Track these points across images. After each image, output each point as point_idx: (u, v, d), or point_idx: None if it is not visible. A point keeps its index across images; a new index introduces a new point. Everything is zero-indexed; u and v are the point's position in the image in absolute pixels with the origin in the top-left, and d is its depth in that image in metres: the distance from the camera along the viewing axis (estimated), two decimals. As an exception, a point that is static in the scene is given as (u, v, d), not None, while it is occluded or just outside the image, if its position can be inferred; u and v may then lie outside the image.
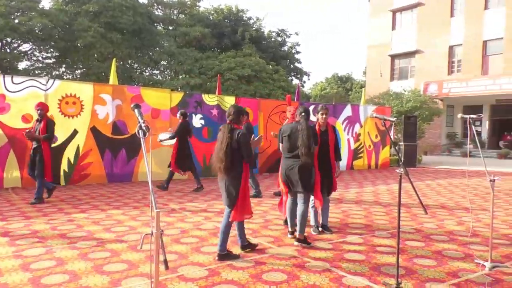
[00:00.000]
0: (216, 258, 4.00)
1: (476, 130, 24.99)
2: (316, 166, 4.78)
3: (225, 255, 4.01)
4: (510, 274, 3.73)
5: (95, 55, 25.17)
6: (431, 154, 25.33)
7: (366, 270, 3.78)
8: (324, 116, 5.05)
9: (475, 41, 24.49)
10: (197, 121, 10.94)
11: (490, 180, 3.83)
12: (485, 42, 24.27)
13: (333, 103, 15.36)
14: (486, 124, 24.98)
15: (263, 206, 6.97)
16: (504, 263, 4.04)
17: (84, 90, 9.46)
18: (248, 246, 4.31)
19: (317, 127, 5.04)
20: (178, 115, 8.67)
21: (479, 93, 22.76)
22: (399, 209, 3.22)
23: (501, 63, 23.37)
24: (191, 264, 3.86)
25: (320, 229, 5.19)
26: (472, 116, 3.94)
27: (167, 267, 2.16)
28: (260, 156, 12.14)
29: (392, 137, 17.07)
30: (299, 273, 3.67)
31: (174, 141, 8.31)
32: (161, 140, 7.99)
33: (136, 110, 2.59)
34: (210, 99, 11.31)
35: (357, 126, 14.47)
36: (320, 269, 3.78)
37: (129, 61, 27.54)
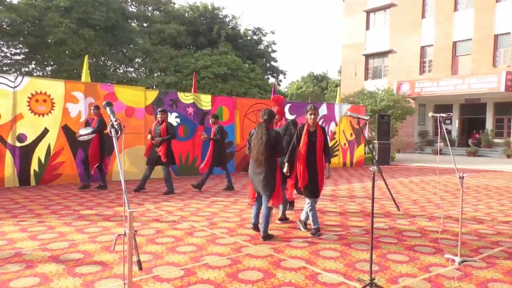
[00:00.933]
0: (261, 239, 4.68)
1: (446, 129, 25.73)
2: (304, 166, 4.90)
3: (268, 236, 4.71)
4: (478, 268, 3.86)
5: (67, 51, 24.51)
6: (404, 152, 25.93)
7: (341, 266, 3.83)
8: (312, 116, 4.92)
9: (445, 42, 25.21)
10: (172, 119, 10.82)
11: (459, 177, 3.95)
12: (454, 43, 25.01)
13: (309, 102, 15.48)
14: (456, 123, 25.76)
15: (239, 205, 6.96)
16: (473, 257, 4.18)
17: (55, 88, 9.20)
18: (269, 237, 4.75)
19: (305, 128, 4.96)
20: (95, 110, 8.35)
21: (449, 92, 23.44)
22: (372, 207, 3.28)
23: (470, 63, 24.14)
24: (167, 264, 3.82)
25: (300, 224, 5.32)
26: (442, 115, 4.05)
27: (140, 268, 2.13)
28: (237, 155, 12.13)
29: (366, 135, 17.36)
30: (275, 271, 3.68)
31: (93, 136, 8.04)
32: (80, 135, 7.82)
33: (108, 108, 2.53)
34: (185, 98, 11.21)
35: (332, 124, 14.66)
36: (296, 266, 3.81)
37: (102, 58, 26.94)
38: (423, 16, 26.45)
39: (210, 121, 8.67)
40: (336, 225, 5.59)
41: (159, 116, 8.07)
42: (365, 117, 3.77)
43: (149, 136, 8.12)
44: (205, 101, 11.54)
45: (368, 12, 29.47)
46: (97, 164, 8.25)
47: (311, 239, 4.82)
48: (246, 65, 28.79)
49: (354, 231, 5.22)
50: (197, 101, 11.40)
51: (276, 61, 35.89)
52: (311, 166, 4.93)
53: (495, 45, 23.26)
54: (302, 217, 5.30)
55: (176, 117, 10.91)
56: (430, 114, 4.28)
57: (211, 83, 26.16)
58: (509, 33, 22.42)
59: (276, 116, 5.53)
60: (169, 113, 10.12)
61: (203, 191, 8.52)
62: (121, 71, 28.80)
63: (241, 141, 12.19)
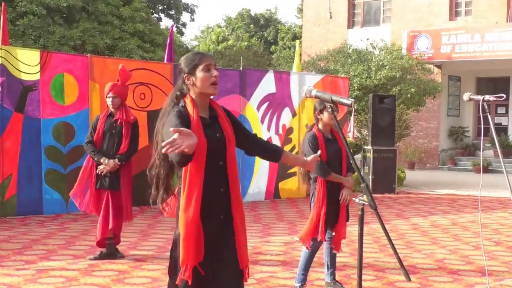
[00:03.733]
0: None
1: (497, 124, 26.75)
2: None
3: None
4: None
5: None
6: (423, 168, 26.74)
7: None
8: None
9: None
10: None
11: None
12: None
13: (241, 68, 15.59)
14: (516, 112, 27.17)
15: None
16: None
17: None
18: None
19: (317, 133, 6.23)
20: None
21: (504, 54, 24.63)
22: (359, 277, 3.35)
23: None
24: None
25: None
26: (489, 97, 4.18)
27: None
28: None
29: (350, 135, 17.72)
30: None
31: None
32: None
33: None
34: (-16, 54, 10.87)
35: (286, 113, 14.81)
36: None
37: None
38: None
39: None
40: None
41: None
42: (347, 101, 3.83)
43: None
44: (28, 63, 11.24)
45: None
46: None
47: None
48: (115, -9, 28.47)
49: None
50: (9, 61, 11.05)
51: (176, -14, 35.94)
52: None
53: None
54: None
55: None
56: (466, 95, 4.43)
57: (39, 24, 25.49)
58: None
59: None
60: None
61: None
62: None
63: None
